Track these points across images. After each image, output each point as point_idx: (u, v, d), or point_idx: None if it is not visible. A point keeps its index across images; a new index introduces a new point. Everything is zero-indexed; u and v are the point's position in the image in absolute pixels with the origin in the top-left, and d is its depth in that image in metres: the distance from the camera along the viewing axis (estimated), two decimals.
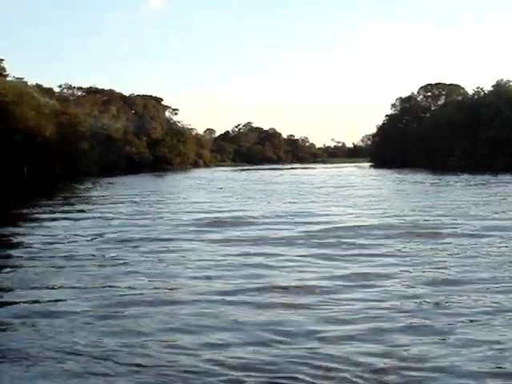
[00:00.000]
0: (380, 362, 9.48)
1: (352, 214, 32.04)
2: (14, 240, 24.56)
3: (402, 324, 11.51)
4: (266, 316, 12.21)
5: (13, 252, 21.23)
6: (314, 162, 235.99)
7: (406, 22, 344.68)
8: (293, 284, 15.07)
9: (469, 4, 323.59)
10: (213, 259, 18.84)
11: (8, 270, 17.74)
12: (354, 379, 8.85)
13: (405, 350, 10.02)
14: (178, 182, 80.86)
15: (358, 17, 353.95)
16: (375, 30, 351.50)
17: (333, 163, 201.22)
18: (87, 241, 23.39)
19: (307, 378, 8.87)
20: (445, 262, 17.60)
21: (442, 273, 16.06)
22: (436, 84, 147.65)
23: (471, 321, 11.71)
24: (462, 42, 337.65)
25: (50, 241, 23.27)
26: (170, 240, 23.34)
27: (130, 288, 14.97)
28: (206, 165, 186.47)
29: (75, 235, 25.06)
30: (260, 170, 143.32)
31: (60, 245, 22.48)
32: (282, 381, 8.81)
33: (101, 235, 25.03)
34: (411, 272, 16.18)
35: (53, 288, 15.16)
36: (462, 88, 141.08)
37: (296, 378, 8.88)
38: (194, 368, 9.33)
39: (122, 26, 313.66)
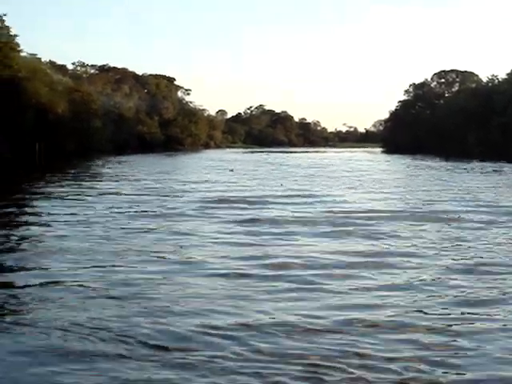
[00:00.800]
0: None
1: (366, 199, 31.66)
2: (26, 217, 24.48)
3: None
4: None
5: (24, 229, 21.16)
6: (326, 146, 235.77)
7: (419, 7, 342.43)
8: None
9: None
10: (230, 239, 18.73)
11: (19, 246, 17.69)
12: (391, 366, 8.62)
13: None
14: (189, 163, 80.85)
15: (375, 3, 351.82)
16: (389, 14, 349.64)
17: (344, 148, 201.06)
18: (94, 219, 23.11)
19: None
20: (475, 248, 17.23)
21: (474, 259, 15.77)
22: (450, 71, 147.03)
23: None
24: (476, 28, 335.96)
25: (62, 218, 23.06)
26: (181, 217, 23.38)
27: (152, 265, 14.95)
28: (217, 146, 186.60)
29: (85, 213, 24.90)
30: (271, 152, 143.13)
31: (77, 220, 22.43)
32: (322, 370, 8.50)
33: (115, 211, 25.02)
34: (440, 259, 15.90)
35: (74, 262, 15.03)
36: (476, 75, 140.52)
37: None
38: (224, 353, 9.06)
39: (138, 5, 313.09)
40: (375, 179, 46.53)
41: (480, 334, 9.89)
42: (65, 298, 11.60)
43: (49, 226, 21.00)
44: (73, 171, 54.01)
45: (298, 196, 32.42)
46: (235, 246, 17.57)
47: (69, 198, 30.69)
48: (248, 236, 19.29)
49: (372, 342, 9.39)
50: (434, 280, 13.48)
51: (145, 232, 19.81)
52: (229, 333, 9.70)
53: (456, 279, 13.58)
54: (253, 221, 22.54)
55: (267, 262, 15.16)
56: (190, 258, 15.82)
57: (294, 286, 12.89)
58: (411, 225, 21.74)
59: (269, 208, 26.91)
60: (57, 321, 10.13)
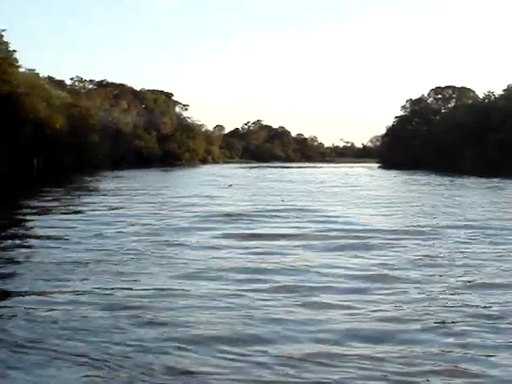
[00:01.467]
0: None
1: (366, 214, 31.76)
2: (25, 231, 24.69)
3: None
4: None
5: (23, 243, 21.33)
6: (323, 161, 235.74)
7: (417, 23, 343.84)
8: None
9: (479, 7, 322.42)
10: (235, 256, 18.85)
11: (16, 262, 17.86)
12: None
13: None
14: (187, 178, 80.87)
15: (367, 15, 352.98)
16: (386, 31, 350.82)
17: (341, 163, 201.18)
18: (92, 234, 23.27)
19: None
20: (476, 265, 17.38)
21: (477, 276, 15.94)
22: (446, 87, 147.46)
23: None
24: (473, 44, 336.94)
25: (59, 233, 23.24)
26: (184, 232, 23.57)
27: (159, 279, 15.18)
28: (215, 161, 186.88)
29: (85, 227, 25.11)
30: (269, 167, 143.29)
31: (74, 235, 22.66)
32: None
33: (113, 227, 25.13)
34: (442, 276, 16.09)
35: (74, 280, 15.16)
36: (473, 91, 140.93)
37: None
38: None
39: (133, 20, 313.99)
40: (373, 195, 46.54)
41: None
42: (70, 321, 11.52)
43: (47, 241, 21.20)
44: (71, 186, 54.23)
45: (299, 211, 32.48)
46: (240, 261, 17.79)
47: (67, 213, 30.94)
48: (254, 250, 19.62)
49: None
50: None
51: (149, 247, 19.99)
52: (248, 358, 9.71)
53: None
54: (255, 236, 22.75)
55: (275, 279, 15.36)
56: (197, 273, 16.04)
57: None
58: (411, 240, 21.90)
59: (271, 223, 27.10)
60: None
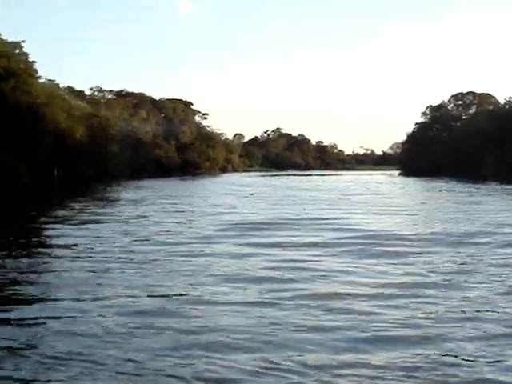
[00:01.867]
0: None
1: (392, 222, 31.32)
2: (47, 240, 24.68)
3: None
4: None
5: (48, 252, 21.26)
6: (343, 168, 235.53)
7: (438, 29, 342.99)
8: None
9: (499, 13, 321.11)
10: (260, 264, 18.68)
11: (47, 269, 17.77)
12: None
13: None
14: (208, 187, 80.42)
15: (387, 24, 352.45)
16: (406, 38, 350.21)
17: (361, 170, 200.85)
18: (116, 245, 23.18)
19: None
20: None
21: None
22: (467, 93, 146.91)
23: None
24: (493, 50, 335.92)
25: (83, 242, 23.15)
26: (208, 243, 23.18)
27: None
28: (235, 170, 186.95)
29: (109, 238, 25.00)
30: (289, 175, 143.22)
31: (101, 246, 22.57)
32: None
33: (138, 238, 24.90)
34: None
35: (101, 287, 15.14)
36: (494, 97, 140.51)
37: None
38: None
39: (152, 30, 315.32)
40: (396, 203, 45.86)
41: None
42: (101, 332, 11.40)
43: (71, 250, 21.10)
44: (92, 196, 54.22)
45: (322, 219, 32.15)
46: (265, 269, 17.66)
47: (90, 222, 30.68)
48: (279, 258, 19.53)
49: None
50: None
51: (174, 257, 19.85)
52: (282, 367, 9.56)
53: None
54: (280, 245, 22.55)
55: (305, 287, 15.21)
56: (222, 281, 15.99)
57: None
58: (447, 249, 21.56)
59: (295, 232, 26.82)
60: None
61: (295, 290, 14.86)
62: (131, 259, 19.21)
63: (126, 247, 21.78)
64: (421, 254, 20.36)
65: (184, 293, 14.58)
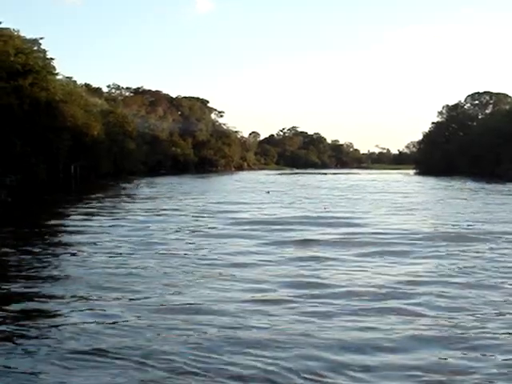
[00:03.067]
0: None
1: (416, 222, 31.15)
2: (68, 237, 24.98)
3: None
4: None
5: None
6: (358, 167, 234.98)
7: (454, 28, 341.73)
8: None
9: None
10: (285, 262, 18.72)
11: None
12: None
13: None
14: (225, 184, 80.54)
15: (404, 21, 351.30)
16: (422, 36, 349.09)
17: (377, 169, 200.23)
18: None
19: None
20: None
21: None
22: (484, 92, 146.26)
23: None
24: (509, 50, 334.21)
25: (103, 239, 23.39)
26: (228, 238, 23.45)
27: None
28: (250, 167, 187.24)
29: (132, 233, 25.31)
30: (305, 174, 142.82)
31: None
32: None
33: (164, 233, 25.18)
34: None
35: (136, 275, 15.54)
36: (510, 97, 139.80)
37: None
38: None
39: (170, 28, 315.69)
40: (416, 202, 45.30)
41: None
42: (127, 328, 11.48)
43: (94, 247, 21.30)
44: (109, 193, 54.53)
45: (343, 218, 31.98)
46: (291, 267, 17.72)
47: (110, 219, 30.85)
48: (303, 256, 19.57)
49: None
50: None
51: (199, 253, 20.05)
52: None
53: None
54: (303, 243, 22.62)
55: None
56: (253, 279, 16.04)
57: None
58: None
59: (316, 231, 26.64)
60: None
61: (322, 287, 15.01)
62: (151, 256, 19.45)
63: (145, 245, 21.85)
64: (445, 253, 20.49)
65: (210, 290, 14.68)
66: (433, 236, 24.56)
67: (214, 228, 27.13)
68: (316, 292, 14.42)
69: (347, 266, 18.08)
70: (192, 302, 13.39)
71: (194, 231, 25.96)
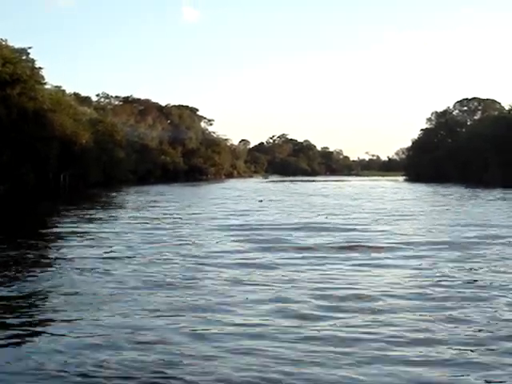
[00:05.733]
0: None
1: (420, 229, 30.95)
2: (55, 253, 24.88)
3: None
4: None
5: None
6: (348, 174, 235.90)
7: (443, 35, 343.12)
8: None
9: (504, 19, 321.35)
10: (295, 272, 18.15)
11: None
12: None
13: None
14: (217, 193, 79.17)
15: (393, 28, 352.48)
16: (410, 41, 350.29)
17: (367, 176, 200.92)
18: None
19: None
20: None
21: None
22: (472, 98, 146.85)
23: None
24: (497, 56, 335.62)
25: (95, 249, 23.17)
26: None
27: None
28: (240, 175, 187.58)
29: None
30: (296, 181, 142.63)
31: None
32: None
33: (153, 243, 24.56)
34: None
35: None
36: (498, 103, 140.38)
37: None
38: None
39: (158, 37, 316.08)
40: (410, 211, 43.99)
41: None
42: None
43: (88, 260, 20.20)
44: (98, 202, 54.23)
45: (345, 225, 31.74)
46: (303, 274, 17.44)
47: (101, 231, 29.51)
48: (311, 267, 18.95)
49: None
50: None
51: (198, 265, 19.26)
52: None
53: None
54: (307, 249, 22.44)
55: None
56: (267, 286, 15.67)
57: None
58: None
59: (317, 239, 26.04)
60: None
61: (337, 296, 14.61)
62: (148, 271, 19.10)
63: (140, 256, 21.19)
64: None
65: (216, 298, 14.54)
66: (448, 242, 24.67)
67: (214, 241, 25.45)
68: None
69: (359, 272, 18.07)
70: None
71: (194, 245, 24.22)
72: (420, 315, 12.64)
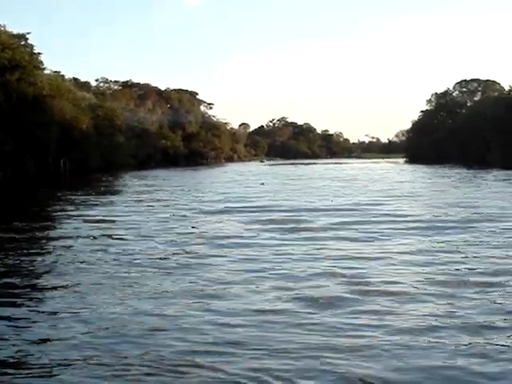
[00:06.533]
0: None
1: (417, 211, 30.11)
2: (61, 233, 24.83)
3: None
4: None
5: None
6: (349, 157, 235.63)
7: (443, 17, 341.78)
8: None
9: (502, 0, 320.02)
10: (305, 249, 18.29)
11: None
12: None
13: None
14: (218, 176, 78.48)
15: (394, 11, 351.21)
16: (410, 24, 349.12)
17: (367, 159, 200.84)
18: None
19: None
20: None
21: None
22: (472, 80, 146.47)
23: None
24: (498, 37, 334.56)
25: (95, 238, 22.47)
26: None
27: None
28: (240, 159, 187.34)
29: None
30: (296, 164, 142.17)
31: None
32: None
33: (158, 228, 23.85)
34: None
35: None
36: (498, 84, 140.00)
37: None
38: None
39: (157, 20, 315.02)
40: (415, 191, 43.80)
41: None
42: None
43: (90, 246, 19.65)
44: (99, 187, 53.77)
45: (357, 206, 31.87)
46: (312, 262, 16.57)
47: (102, 215, 29.17)
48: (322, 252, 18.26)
49: None
50: None
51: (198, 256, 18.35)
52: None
53: None
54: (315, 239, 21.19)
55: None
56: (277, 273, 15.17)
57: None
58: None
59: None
60: None
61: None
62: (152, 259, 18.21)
63: (145, 240, 20.70)
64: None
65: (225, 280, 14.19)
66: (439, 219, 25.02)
67: (221, 228, 24.35)
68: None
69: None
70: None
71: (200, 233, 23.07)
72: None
